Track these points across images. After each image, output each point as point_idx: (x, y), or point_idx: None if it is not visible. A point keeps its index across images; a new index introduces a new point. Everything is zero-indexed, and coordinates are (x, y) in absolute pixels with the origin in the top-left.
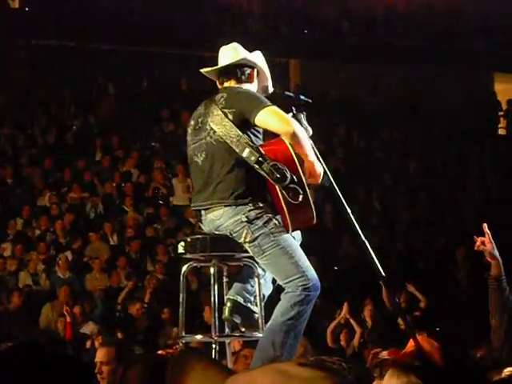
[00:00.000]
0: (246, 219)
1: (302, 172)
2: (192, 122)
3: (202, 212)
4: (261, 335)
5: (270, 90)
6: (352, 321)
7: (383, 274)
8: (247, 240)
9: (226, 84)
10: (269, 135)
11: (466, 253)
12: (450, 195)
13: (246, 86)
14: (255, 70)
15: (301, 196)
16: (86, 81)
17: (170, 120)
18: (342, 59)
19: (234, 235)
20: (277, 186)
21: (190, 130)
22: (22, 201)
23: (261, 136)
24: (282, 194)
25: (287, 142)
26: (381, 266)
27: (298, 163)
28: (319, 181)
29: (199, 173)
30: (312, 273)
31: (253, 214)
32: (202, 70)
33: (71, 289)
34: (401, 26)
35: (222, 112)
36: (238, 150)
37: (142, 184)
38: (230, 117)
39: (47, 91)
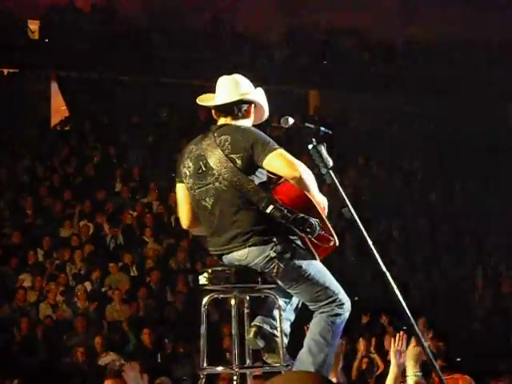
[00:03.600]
0: (274, 254)
1: (319, 206)
2: (190, 164)
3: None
4: (283, 366)
5: (265, 117)
6: (376, 356)
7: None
8: (279, 275)
9: (222, 119)
10: None
11: (486, 283)
12: (470, 226)
13: (242, 122)
14: (252, 106)
15: (332, 242)
16: (107, 112)
17: None
18: (361, 90)
19: (266, 271)
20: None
21: (188, 172)
22: (42, 232)
23: (265, 172)
24: (310, 239)
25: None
26: (402, 297)
27: (314, 200)
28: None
29: (210, 217)
30: (343, 293)
31: (279, 247)
32: (199, 102)
33: (91, 320)
34: (420, 56)
35: (229, 158)
36: (259, 205)
37: (162, 215)
38: (239, 162)
39: (68, 122)
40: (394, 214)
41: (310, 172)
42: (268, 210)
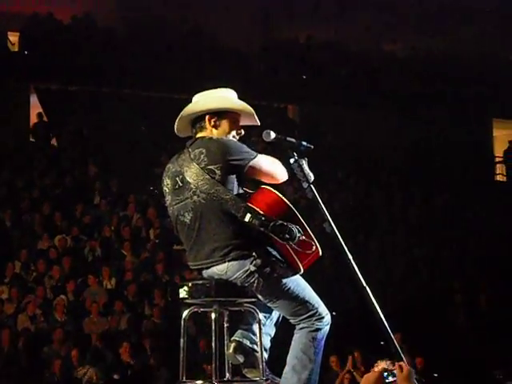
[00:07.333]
0: (254, 268)
1: (298, 214)
2: (168, 181)
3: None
4: (262, 380)
5: (255, 118)
6: (355, 373)
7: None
8: (259, 289)
9: (197, 133)
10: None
11: (464, 296)
12: (448, 240)
13: (215, 133)
14: (223, 117)
15: (313, 247)
16: (86, 124)
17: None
18: (339, 104)
19: (246, 285)
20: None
21: (167, 190)
22: (20, 244)
23: (243, 181)
24: (292, 247)
25: (271, 188)
26: (380, 310)
27: (292, 206)
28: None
29: (189, 231)
30: (323, 307)
31: (259, 261)
32: (177, 125)
33: (69, 332)
34: (399, 70)
35: (207, 170)
36: (237, 214)
37: (140, 228)
38: (219, 172)
39: (47, 134)
40: (372, 227)
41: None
42: (246, 219)
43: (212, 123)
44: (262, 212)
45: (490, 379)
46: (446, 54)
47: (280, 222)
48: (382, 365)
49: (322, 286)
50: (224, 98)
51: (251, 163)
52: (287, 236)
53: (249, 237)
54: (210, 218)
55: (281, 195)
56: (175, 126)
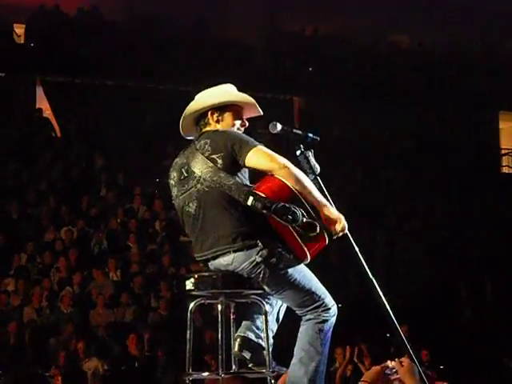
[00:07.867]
0: (260, 259)
1: (302, 197)
2: (175, 174)
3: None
4: (269, 372)
5: (257, 107)
6: (360, 365)
7: (391, 313)
8: (265, 280)
9: (204, 129)
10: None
11: (470, 291)
12: (453, 233)
13: (219, 127)
14: (227, 112)
15: (318, 228)
16: (92, 116)
17: (174, 157)
18: (346, 97)
19: (253, 276)
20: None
21: (173, 182)
22: (26, 236)
23: (247, 174)
24: (296, 230)
25: (275, 175)
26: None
27: (296, 191)
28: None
29: (194, 222)
30: (329, 298)
31: (265, 252)
32: (181, 124)
33: (75, 324)
34: (404, 64)
35: (210, 159)
36: (239, 199)
37: (146, 220)
38: (220, 161)
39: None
40: (378, 221)
41: (295, 168)
42: (249, 202)
43: (215, 118)
44: (264, 196)
45: (497, 371)
46: (453, 47)
47: (282, 204)
48: (389, 364)
49: (328, 278)
50: (224, 91)
51: (253, 150)
52: (290, 217)
53: (254, 224)
54: (213, 206)
55: (285, 180)
56: (180, 127)
